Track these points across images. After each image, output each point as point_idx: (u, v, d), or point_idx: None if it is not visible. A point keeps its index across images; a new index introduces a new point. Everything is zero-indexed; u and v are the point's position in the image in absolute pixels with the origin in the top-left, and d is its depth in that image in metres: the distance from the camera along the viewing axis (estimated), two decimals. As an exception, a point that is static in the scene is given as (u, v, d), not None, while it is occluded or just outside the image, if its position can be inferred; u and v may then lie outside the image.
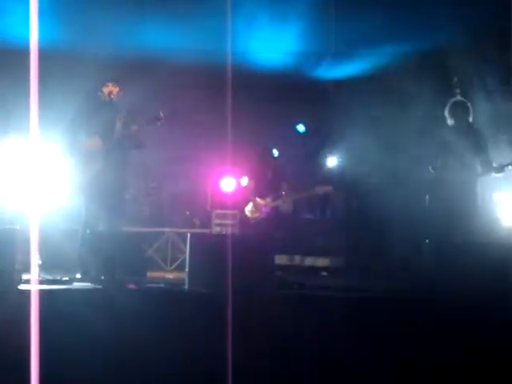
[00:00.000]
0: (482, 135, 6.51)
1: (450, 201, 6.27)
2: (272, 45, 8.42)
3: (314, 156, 9.92)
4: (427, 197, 6.81)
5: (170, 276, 7.05)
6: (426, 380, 4.83)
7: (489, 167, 6.27)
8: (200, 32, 7.93)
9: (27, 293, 4.47)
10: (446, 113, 6.58)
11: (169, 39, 8.34)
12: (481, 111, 7.14)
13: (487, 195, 7.33)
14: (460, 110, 6.52)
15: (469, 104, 6.56)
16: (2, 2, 7.43)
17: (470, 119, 6.56)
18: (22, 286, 5.03)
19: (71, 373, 4.63)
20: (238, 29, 7.90)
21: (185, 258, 5.71)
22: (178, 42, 8.37)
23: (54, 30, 7.50)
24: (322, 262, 8.69)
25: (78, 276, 5.79)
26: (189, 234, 5.56)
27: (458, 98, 6.77)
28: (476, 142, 6.39)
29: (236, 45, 8.38)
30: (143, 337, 4.73)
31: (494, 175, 6.33)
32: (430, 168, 6.46)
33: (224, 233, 8.58)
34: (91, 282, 5.49)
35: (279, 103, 9.98)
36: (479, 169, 6.34)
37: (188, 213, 9.12)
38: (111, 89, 5.98)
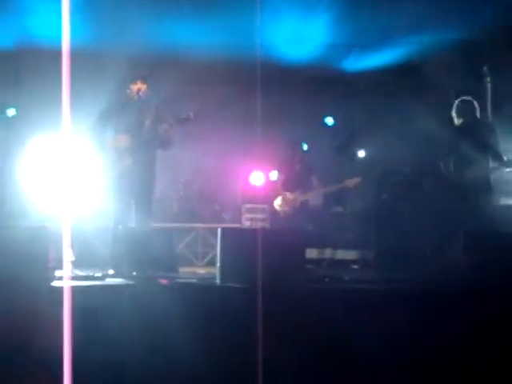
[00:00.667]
0: (492, 130, 6.58)
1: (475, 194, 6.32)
2: (299, 38, 8.38)
3: (342, 149, 9.86)
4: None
5: (202, 271, 7.07)
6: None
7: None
8: (228, 27, 7.93)
9: (60, 289, 4.55)
10: (453, 113, 6.63)
11: (197, 35, 8.34)
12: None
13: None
14: (467, 109, 6.55)
15: (474, 102, 6.59)
16: (32, 3, 7.49)
17: (478, 115, 6.60)
18: (55, 283, 5.09)
19: (103, 368, 4.68)
20: (266, 22, 7.88)
21: (215, 253, 5.72)
22: (207, 38, 8.37)
23: (83, 29, 7.56)
24: (352, 254, 8.64)
25: (111, 272, 5.84)
26: (219, 229, 5.57)
27: (464, 98, 6.77)
28: (486, 137, 6.44)
29: (264, 38, 8.36)
30: (176, 333, 4.76)
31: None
32: (442, 165, 6.55)
33: (254, 227, 8.58)
34: (123, 278, 5.53)
35: (307, 96, 9.94)
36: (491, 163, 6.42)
37: (217, 208, 9.13)
38: (140, 86, 6.01)
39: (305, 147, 8.59)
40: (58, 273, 5.45)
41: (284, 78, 9.68)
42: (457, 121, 6.65)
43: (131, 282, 5.32)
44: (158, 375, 4.71)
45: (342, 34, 8.25)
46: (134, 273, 5.43)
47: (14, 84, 9.79)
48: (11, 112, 9.82)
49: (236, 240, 5.42)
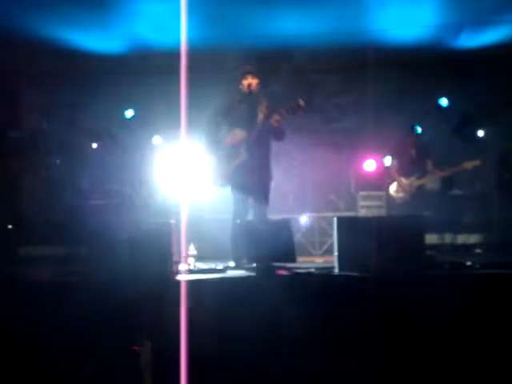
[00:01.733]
0: None
1: None
2: (409, 19, 8.19)
3: (459, 130, 9.57)
4: None
5: (320, 260, 7.10)
6: None
7: None
8: (336, 13, 7.88)
9: (184, 283, 4.71)
10: None
11: (305, 23, 8.35)
12: None
13: None
14: None
15: None
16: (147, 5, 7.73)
17: None
18: (179, 277, 5.26)
19: (222, 362, 4.80)
20: (373, 6, 7.78)
21: (332, 242, 5.72)
22: (313, 27, 8.37)
23: (196, 28, 7.75)
24: (474, 238, 8.39)
25: (231, 264, 5.97)
26: (335, 218, 5.56)
27: None
28: None
29: (372, 23, 8.26)
30: (297, 324, 4.81)
31: None
32: None
33: (370, 215, 8.51)
34: (244, 270, 5.64)
35: (419, 78, 9.72)
36: None
37: (332, 197, 9.12)
38: (250, 81, 6.10)
39: (419, 130, 8.41)
40: (181, 267, 5.64)
41: (395, 61, 9.51)
42: None
43: (252, 274, 5.41)
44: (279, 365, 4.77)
45: (453, 12, 7.98)
46: (254, 264, 5.52)
47: (132, 86, 10.21)
48: (130, 113, 10.24)
49: (353, 228, 5.39)
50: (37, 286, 5.20)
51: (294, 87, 9.78)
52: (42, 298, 4.99)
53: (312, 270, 5.53)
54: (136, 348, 2.92)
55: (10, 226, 8.12)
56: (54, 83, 10.69)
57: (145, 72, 10.16)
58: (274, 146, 6.49)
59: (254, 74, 6.13)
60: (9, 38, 8.47)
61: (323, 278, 5.22)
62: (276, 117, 5.96)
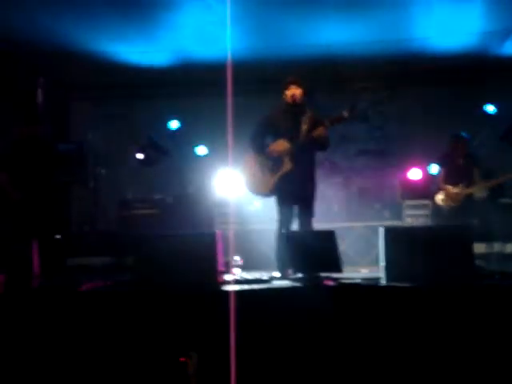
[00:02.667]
0: None
1: None
2: (454, 26, 8.09)
3: (507, 137, 9.39)
4: None
5: (365, 270, 7.04)
6: None
7: None
8: (379, 22, 7.84)
9: (230, 293, 4.72)
10: None
11: (346, 33, 8.33)
12: None
13: None
14: None
15: None
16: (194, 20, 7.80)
17: None
18: (224, 287, 5.26)
19: (269, 372, 4.78)
20: (417, 14, 7.71)
21: (378, 252, 5.66)
22: (356, 35, 8.34)
23: (239, 38, 7.80)
24: (525, 247, 8.21)
25: (276, 275, 5.96)
26: (381, 228, 5.50)
27: None
28: None
29: (417, 31, 8.19)
30: (343, 336, 4.77)
31: None
32: None
33: (417, 224, 8.40)
34: (289, 280, 5.62)
35: (465, 85, 9.61)
36: None
37: (378, 206, 9.03)
38: (294, 91, 6.10)
39: (466, 138, 8.29)
40: (226, 277, 5.66)
41: (440, 69, 9.42)
42: None
43: (298, 284, 5.39)
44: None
45: (500, 19, 7.85)
46: (300, 275, 5.50)
47: (177, 97, 10.32)
48: (175, 124, 10.34)
49: (399, 238, 5.33)
50: (84, 296, 5.27)
51: (338, 96, 9.75)
52: (89, 309, 5.05)
53: (358, 280, 5.48)
54: (183, 359, 2.93)
55: (57, 237, 8.25)
56: (101, 96, 10.89)
57: (190, 83, 10.26)
58: (319, 154, 6.48)
59: (298, 84, 6.13)
60: (58, 51, 8.66)
61: (370, 288, 5.16)
62: (320, 127, 5.95)
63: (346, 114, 5.97)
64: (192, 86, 10.31)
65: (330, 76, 10.04)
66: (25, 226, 6.69)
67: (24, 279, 5.36)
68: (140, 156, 10.31)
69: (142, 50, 8.90)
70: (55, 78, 10.55)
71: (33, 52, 8.88)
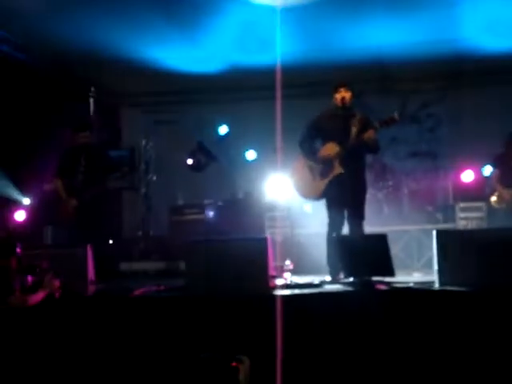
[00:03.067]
0: None
1: None
2: (503, 26, 7.94)
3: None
4: None
5: (418, 274, 6.94)
6: None
7: None
8: (428, 22, 7.75)
9: (280, 298, 4.71)
10: None
11: (396, 34, 8.26)
12: None
13: None
14: None
15: None
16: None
17: None
18: (276, 292, 5.26)
19: (322, 376, 4.75)
20: (467, 14, 7.60)
21: (431, 255, 5.58)
22: (406, 36, 8.26)
23: (287, 43, 7.81)
24: None
25: (328, 279, 5.93)
26: (434, 231, 5.42)
27: None
28: None
29: (467, 31, 8.07)
30: (395, 340, 4.71)
31: None
32: None
33: (470, 227, 8.25)
34: (340, 285, 5.59)
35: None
36: None
37: (430, 208, 8.90)
38: (343, 94, 6.06)
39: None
40: (278, 281, 5.65)
41: (492, 69, 9.25)
42: None
43: (349, 288, 5.35)
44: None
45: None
46: (352, 279, 5.46)
47: (225, 102, 10.39)
48: (223, 129, 10.40)
49: (453, 241, 5.23)
50: (137, 302, 5.33)
51: (388, 98, 9.65)
52: (142, 314, 5.11)
53: (411, 284, 5.40)
54: (235, 364, 2.93)
55: (110, 242, 8.39)
56: (151, 102, 11.05)
57: (239, 88, 10.32)
58: (369, 157, 6.43)
59: (347, 87, 6.09)
60: (108, 60, 8.82)
61: (423, 292, 5.08)
62: (370, 130, 5.89)
63: (396, 116, 5.91)
64: (241, 91, 10.37)
65: (379, 78, 9.96)
66: (79, 232, 6.82)
67: (79, 284, 5.45)
68: (190, 161, 10.41)
69: (191, 56, 9.00)
70: (106, 87, 10.76)
71: (84, 62, 9.07)
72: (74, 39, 8.09)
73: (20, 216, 7.74)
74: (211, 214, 8.71)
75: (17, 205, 7.85)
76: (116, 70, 9.44)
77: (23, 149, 8.34)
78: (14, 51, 8.11)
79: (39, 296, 4.64)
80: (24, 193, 7.96)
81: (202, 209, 8.99)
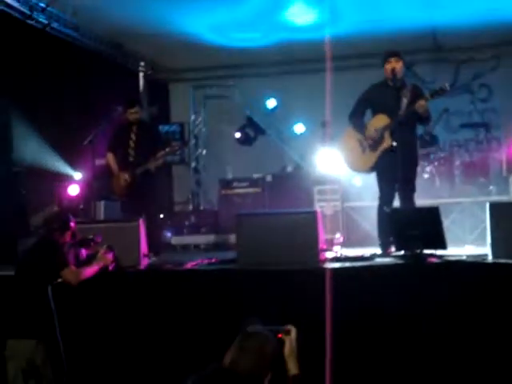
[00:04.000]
0: None
1: None
2: None
3: None
4: None
5: (471, 247, 6.84)
6: None
7: None
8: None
9: (330, 271, 4.72)
10: None
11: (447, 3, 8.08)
12: None
13: None
14: None
15: None
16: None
17: None
18: (325, 265, 5.26)
19: (370, 350, 4.74)
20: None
21: (485, 228, 5.48)
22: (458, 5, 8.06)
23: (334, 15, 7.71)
24: None
25: (379, 252, 5.90)
26: (487, 203, 5.32)
27: None
28: None
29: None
30: (447, 314, 4.66)
31: None
32: None
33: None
34: (392, 258, 5.55)
35: None
36: None
37: (483, 180, 8.71)
38: (394, 65, 5.94)
39: None
40: (328, 254, 5.65)
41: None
42: None
43: (400, 262, 5.31)
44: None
45: None
46: (403, 252, 5.41)
47: (275, 76, 10.34)
48: (272, 103, 10.36)
49: (507, 214, 5.13)
50: (189, 274, 5.41)
51: (439, 68, 9.47)
52: (194, 286, 5.18)
53: (464, 257, 5.33)
54: (280, 335, 2.95)
55: (161, 216, 8.50)
56: (200, 78, 11.08)
57: (287, 62, 10.26)
58: (421, 128, 6.32)
59: (398, 57, 5.98)
60: (157, 35, 8.86)
61: (476, 265, 5.02)
62: (421, 101, 5.78)
63: (447, 86, 5.78)
64: (290, 64, 10.30)
65: (430, 47, 9.75)
66: (131, 206, 6.92)
67: (132, 258, 5.55)
68: (238, 135, 10.43)
69: (239, 31, 8.97)
70: (156, 62, 10.82)
71: (133, 37, 9.13)
72: (124, 14, 8.14)
73: (73, 190, 7.88)
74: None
75: (69, 179, 8.00)
76: (165, 45, 9.48)
77: (74, 124, 8.47)
78: (65, 28, 8.21)
79: (93, 269, 4.74)
80: (75, 167, 8.10)
81: (251, 183, 9.02)
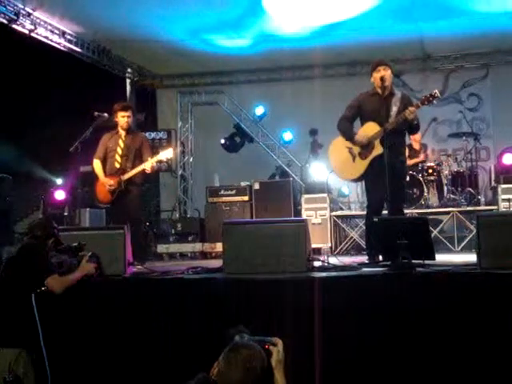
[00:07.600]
0: None
1: None
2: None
3: None
4: None
5: (459, 257, 6.82)
6: None
7: None
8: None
9: (318, 280, 4.65)
10: None
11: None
12: None
13: None
14: None
15: None
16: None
17: None
18: (313, 274, 5.21)
19: (359, 361, 4.69)
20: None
21: (473, 238, 5.45)
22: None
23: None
24: None
25: (366, 261, 5.85)
26: (476, 215, 5.29)
27: None
28: None
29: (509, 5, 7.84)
30: (435, 324, 4.62)
31: None
32: None
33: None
34: (379, 267, 5.50)
35: None
36: None
37: (471, 190, 8.71)
38: (383, 73, 5.91)
39: None
40: (315, 263, 5.59)
41: None
42: None
43: (388, 271, 5.26)
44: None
45: None
46: (390, 261, 5.37)
47: (262, 84, 10.33)
48: (260, 110, 10.33)
49: (494, 224, 5.10)
50: (174, 282, 5.33)
51: (428, 77, 9.49)
52: (179, 294, 5.11)
53: (451, 267, 5.29)
54: (267, 347, 2.89)
55: (147, 224, 8.44)
56: (187, 84, 11.05)
57: (276, 70, 10.25)
58: (408, 138, 6.30)
59: (387, 66, 5.95)
60: (144, 42, 8.81)
61: (464, 275, 4.97)
62: (410, 108, 5.76)
63: (437, 92, 5.76)
64: (278, 71, 10.28)
65: (419, 56, 9.77)
66: (117, 213, 6.84)
67: (117, 266, 5.47)
68: (222, 141, 10.42)
69: (228, 38, 8.94)
70: (143, 68, 10.78)
71: (121, 44, 9.08)
72: (111, 21, 8.09)
73: (58, 196, 7.81)
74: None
75: (54, 186, 7.92)
76: (153, 51, 9.44)
77: (60, 131, 8.41)
78: (51, 33, 8.15)
79: (77, 277, 4.66)
80: (60, 174, 8.04)
81: (238, 190, 8.97)
